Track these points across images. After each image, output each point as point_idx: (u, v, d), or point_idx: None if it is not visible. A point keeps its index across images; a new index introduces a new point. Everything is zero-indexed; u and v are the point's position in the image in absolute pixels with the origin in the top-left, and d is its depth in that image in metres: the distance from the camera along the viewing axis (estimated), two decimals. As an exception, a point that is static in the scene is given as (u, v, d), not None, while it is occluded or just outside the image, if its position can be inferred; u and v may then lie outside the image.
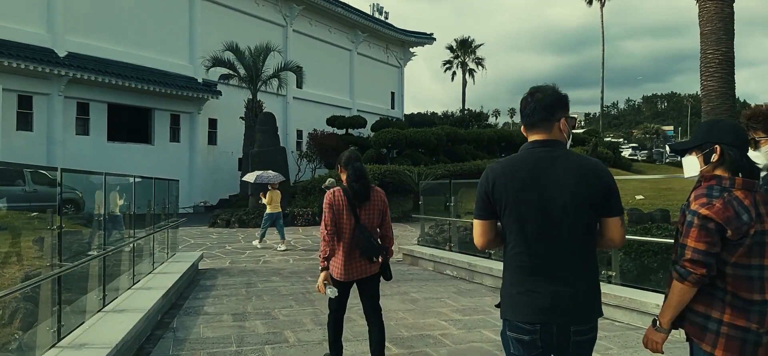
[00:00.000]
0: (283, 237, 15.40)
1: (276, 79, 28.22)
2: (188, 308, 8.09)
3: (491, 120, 50.23)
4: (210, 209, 27.55)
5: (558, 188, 2.48)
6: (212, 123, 31.61)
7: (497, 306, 2.70)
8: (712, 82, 14.95)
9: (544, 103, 2.59)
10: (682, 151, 2.76)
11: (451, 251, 12.70)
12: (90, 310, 6.39)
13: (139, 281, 8.31)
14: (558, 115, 2.59)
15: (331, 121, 33.62)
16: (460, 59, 50.91)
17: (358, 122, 33.92)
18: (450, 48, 50.90)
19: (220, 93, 30.68)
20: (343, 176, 4.81)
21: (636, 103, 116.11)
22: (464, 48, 50.43)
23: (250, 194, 20.35)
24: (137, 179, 8.97)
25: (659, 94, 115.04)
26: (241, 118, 28.56)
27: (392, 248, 5.00)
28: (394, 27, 44.07)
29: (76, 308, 6.25)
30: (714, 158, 2.58)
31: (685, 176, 2.75)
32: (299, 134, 35.85)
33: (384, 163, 22.91)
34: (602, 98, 53.26)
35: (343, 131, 33.82)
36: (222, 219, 19.61)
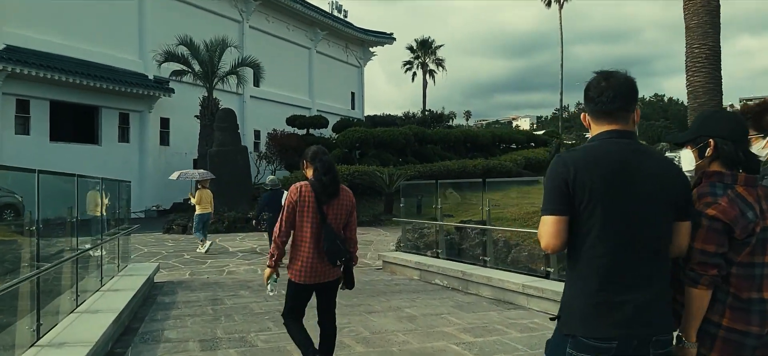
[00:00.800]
0: (202, 237, 14.46)
1: (233, 75, 26.63)
2: (145, 333, 6.69)
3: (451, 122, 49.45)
4: (163, 213, 25.74)
5: (645, 184, 2.25)
6: (164, 123, 29.76)
7: (555, 318, 2.40)
8: (698, 78, 14.28)
9: (624, 90, 2.34)
10: (680, 144, 2.68)
11: (439, 258, 11.56)
12: (20, 344, 4.99)
13: (84, 302, 6.87)
14: (634, 104, 2.38)
15: (292, 121, 32.19)
16: (420, 60, 50.05)
17: (320, 121, 32.58)
18: (410, 48, 49.98)
19: (172, 91, 28.88)
20: (309, 172, 4.49)
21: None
22: (424, 48, 49.58)
23: (208, 197, 18.91)
24: (83, 179, 7.50)
25: (560, 107, 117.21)
26: (196, 117, 26.84)
27: (357, 253, 4.66)
28: (353, 26, 42.87)
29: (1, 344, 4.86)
30: (708, 152, 2.46)
31: (684, 170, 2.53)
32: (257, 134, 34.24)
33: (351, 163, 21.66)
34: (561, 100, 53.62)
35: (304, 131, 32.45)
36: (178, 225, 17.98)
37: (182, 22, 28.55)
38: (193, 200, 14.81)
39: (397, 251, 13.46)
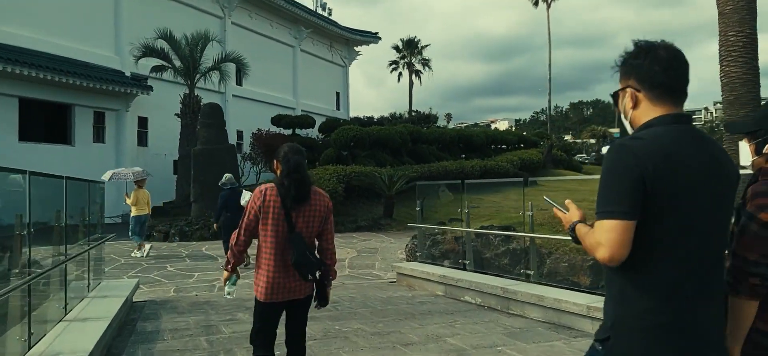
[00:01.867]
0: (140, 240, 13.41)
1: (216, 71, 24.81)
2: (122, 383, 4.99)
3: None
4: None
5: (720, 182, 1.89)
6: (142, 122, 27.78)
7: (603, 340, 1.95)
8: (734, 69, 12.89)
9: (684, 66, 1.95)
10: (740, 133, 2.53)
11: (467, 270, 9.96)
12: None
13: (37, 343, 5.13)
14: None
15: (277, 120, 30.41)
16: (406, 60, 48.48)
17: (306, 121, 30.84)
18: (396, 48, 48.35)
19: (151, 88, 26.92)
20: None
21: (563, 109, 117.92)
22: (411, 48, 48.01)
23: (192, 201, 16.91)
24: (41, 178, 5.73)
25: (585, 101, 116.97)
26: (177, 115, 24.96)
27: (336, 267, 4.10)
28: (338, 24, 41.18)
29: None
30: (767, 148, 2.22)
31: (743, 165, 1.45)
32: (240, 134, 32.38)
33: (345, 164, 20.00)
34: (549, 101, 52.39)
35: (290, 131, 30.68)
36: (159, 231, 16.09)
37: (161, 16, 26.57)
38: (128, 201, 13.79)
39: (412, 261, 11.82)
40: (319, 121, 33.38)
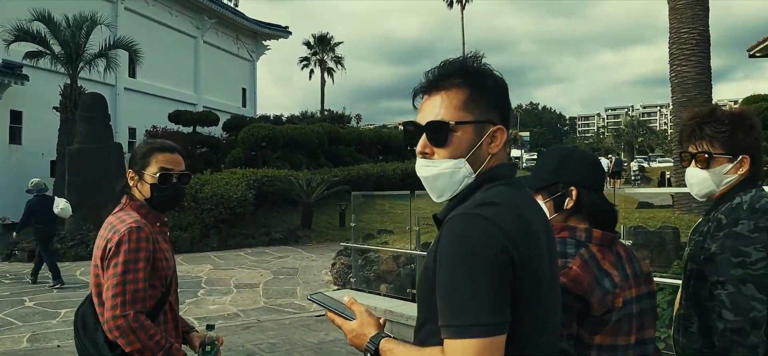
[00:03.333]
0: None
1: (103, 59, 21.51)
2: None
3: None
4: (9, 227, 20.09)
5: (554, 255, 1.50)
6: (15, 116, 23.86)
7: None
8: (687, 68, 11.76)
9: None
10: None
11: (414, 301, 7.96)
12: None
13: None
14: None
15: (175, 117, 27.31)
16: (318, 57, 46.04)
17: (209, 118, 27.93)
18: (307, 44, 45.83)
19: (26, 78, 23.15)
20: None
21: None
22: (323, 45, 45.61)
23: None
24: None
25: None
26: (56, 109, 21.42)
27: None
28: (245, 16, 38.17)
29: None
30: (568, 204, 1.87)
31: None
32: (132, 132, 28.83)
33: (254, 166, 17.57)
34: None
35: (191, 129, 27.66)
36: (23, 249, 12.92)
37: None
38: None
39: (343, 288, 9.71)
40: (223, 118, 30.48)
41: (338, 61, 46.28)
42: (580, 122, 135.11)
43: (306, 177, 15.83)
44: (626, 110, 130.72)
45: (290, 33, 41.02)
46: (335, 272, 10.37)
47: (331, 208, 16.66)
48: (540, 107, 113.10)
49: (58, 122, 21.41)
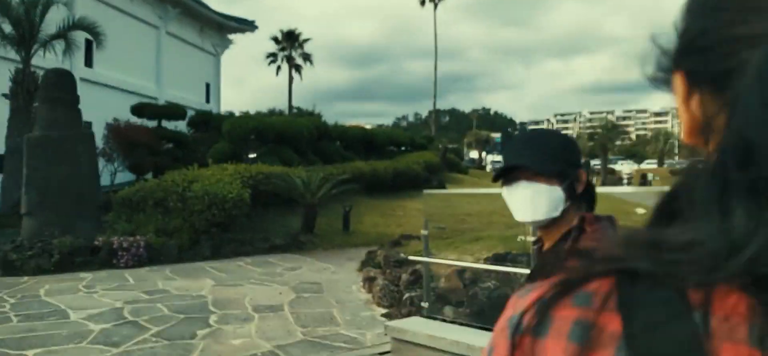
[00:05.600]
0: None
1: (61, 41, 18.50)
2: None
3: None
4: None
5: None
6: (-45, 106, 20.47)
7: None
8: None
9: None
10: (511, 173, 1.59)
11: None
12: None
13: None
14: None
15: (139, 110, 24.33)
16: (285, 53, 43.17)
17: (176, 111, 25.05)
18: (275, 39, 42.81)
19: (-31, 62, 19.86)
20: None
21: (422, 117, 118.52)
22: (290, 41, 42.76)
23: (24, 213, 10.93)
24: None
25: (442, 109, 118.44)
26: (5, 95, 18.27)
27: None
28: (209, 7, 35.12)
29: None
30: (579, 188, 1.58)
31: (525, 220, 1.58)
32: (88, 126, 25.49)
33: (239, 161, 14.98)
34: (434, 103, 49.88)
35: (155, 123, 24.70)
36: None
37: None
38: None
39: (397, 311, 7.41)
40: (187, 114, 27.62)
41: (306, 57, 43.61)
42: (530, 127, 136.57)
43: (304, 175, 13.43)
44: (575, 116, 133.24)
45: (256, 27, 38.15)
46: (378, 290, 8.07)
47: (329, 210, 14.31)
48: (492, 112, 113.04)
49: (6, 112, 18.31)
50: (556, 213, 1.52)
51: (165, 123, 25.40)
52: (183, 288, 8.75)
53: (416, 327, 6.24)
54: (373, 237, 13.65)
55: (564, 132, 2.31)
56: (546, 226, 1.57)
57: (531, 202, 1.53)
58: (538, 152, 1.58)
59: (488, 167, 47.32)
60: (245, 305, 7.89)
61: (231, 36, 38.35)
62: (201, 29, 35.34)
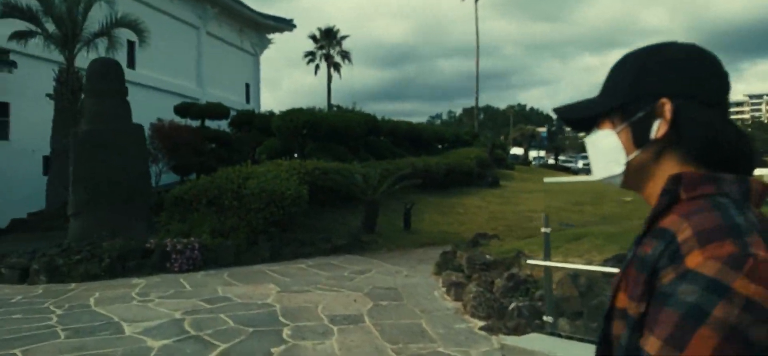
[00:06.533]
0: None
1: (104, 38, 17.88)
2: None
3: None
4: (-3, 235, 16.21)
5: None
6: (2, 109, 20.13)
7: None
8: None
9: None
10: (578, 121, 1.09)
11: None
12: None
13: None
14: None
15: (183, 110, 23.68)
16: (324, 51, 42.32)
17: (219, 111, 24.27)
18: (313, 38, 41.96)
19: (14, 64, 19.48)
20: None
21: (457, 115, 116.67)
22: (329, 39, 41.90)
23: (71, 214, 10.07)
24: None
25: (475, 106, 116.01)
26: (50, 96, 17.74)
27: None
28: (248, 6, 34.48)
29: None
30: (659, 130, 0.97)
31: (598, 178, 1.09)
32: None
33: (290, 157, 14.03)
34: (477, 99, 48.54)
35: (199, 123, 24.04)
36: (10, 267, 9.10)
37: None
38: None
39: (501, 326, 6.22)
40: (229, 114, 26.96)
41: (345, 55, 42.66)
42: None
43: (362, 170, 12.37)
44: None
45: (295, 26, 37.39)
46: (471, 298, 6.90)
47: (387, 208, 13.24)
48: (527, 109, 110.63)
49: (51, 113, 17.77)
50: (618, 170, 1.00)
51: (208, 123, 24.71)
52: (246, 295, 7.73)
53: (540, 345, 5.07)
54: (437, 236, 12.53)
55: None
56: (637, 191, 1.03)
57: (591, 158, 1.07)
58: (607, 82, 1.05)
59: (533, 163, 45.81)
60: (319, 315, 6.82)
61: (270, 35, 37.68)
62: (240, 29, 34.72)
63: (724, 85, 0.99)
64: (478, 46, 44.16)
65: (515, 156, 45.63)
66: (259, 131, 23.04)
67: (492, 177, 21.14)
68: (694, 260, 0.81)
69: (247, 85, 36.31)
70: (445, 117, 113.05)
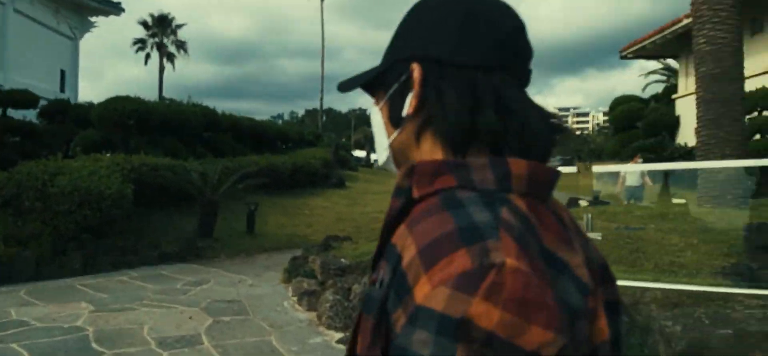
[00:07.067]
0: None
1: None
2: None
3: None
4: None
5: None
6: None
7: None
8: (721, 34, 9.51)
9: None
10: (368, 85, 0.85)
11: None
12: None
13: None
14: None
15: (-23, 95, 20.03)
16: (156, 39, 38.57)
17: (26, 99, 20.94)
18: (144, 24, 38.06)
19: None
20: None
21: (299, 115, 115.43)
22: (162, 26, 38.28)
23: None
24: None
25: (318, 109, 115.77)
26: None
27: None
28: (66, -16, 30.48)
29: None
30: (411, 104, 0.75)
31: (380, 166, 0.90)
32: None
33: (112, 151, 12.10)
34: (321, 100, 47.29)
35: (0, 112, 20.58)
36: None
37: None
38: None
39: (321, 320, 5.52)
40: (39, 103, 23.47)
41: (180, 45, 39.42)
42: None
43: (198, 167, 11.00)
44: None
45: (123, 9, 33.78)
46: (327, 308, 6.10)
47: (226, 210, 12.01)
48: (368, 113, 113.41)
49: None
50: (384, 155, 0.83)
51: (11, 113, 21.19)
52: (48, 317, 6.18)
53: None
54: (284, 240, 11.60)
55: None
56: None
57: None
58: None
59: (374, 165, 46.38)
60: (145, 338, 5.58)
61: (92, 18, 33.71)
62: (56, 9, 30.53)
63: (508, 45, 0.73)
64: (323, 47, 43.59)
65: (358, 158, 46.12)
66: (76, 124, 20.24)
67: (337, 178, 20.62)
68: (421, 290, 0.57)
69: (63, 72, 32.09)
70: (287, 117, 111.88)
